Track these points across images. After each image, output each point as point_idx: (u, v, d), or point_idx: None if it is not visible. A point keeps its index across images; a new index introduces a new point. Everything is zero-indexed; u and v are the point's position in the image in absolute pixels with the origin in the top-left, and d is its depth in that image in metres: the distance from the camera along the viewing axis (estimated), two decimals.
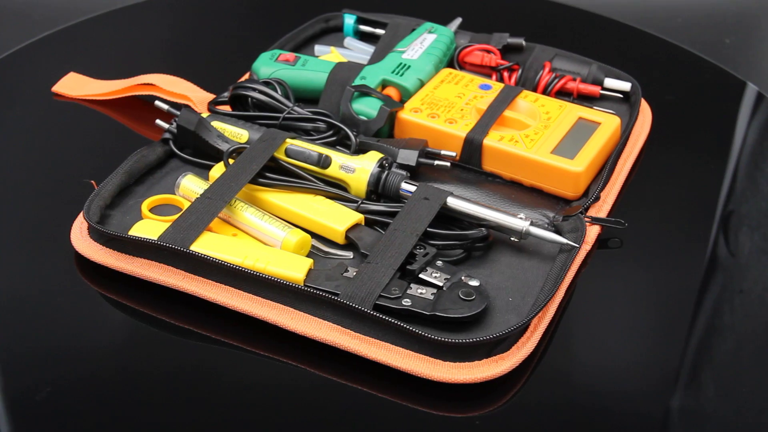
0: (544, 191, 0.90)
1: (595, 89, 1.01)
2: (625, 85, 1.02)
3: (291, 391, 0.74)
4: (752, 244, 0.90)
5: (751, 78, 1.14)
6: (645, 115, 1.02)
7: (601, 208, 0.89)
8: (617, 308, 0.83)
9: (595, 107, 0.99)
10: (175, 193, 0.87)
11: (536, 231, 0.82)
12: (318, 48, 1.09)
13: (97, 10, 1.20)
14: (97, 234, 0.81)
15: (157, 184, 0.89)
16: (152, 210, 0.85)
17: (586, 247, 0.85)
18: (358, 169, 0.86)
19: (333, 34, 1.13)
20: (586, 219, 0.86)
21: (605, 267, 0.86)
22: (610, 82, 1.02)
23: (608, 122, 0.94)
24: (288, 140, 0.89)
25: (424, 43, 1.02)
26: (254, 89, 0.94)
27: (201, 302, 0.78)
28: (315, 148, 0.88)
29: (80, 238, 0.82)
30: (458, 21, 1.08)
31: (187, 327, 0.78)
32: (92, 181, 0.87)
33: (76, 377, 0.74)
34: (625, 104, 1.02)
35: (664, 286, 0.86)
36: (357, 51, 1.09)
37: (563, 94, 1.02)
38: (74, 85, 1.04)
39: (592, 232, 0.86)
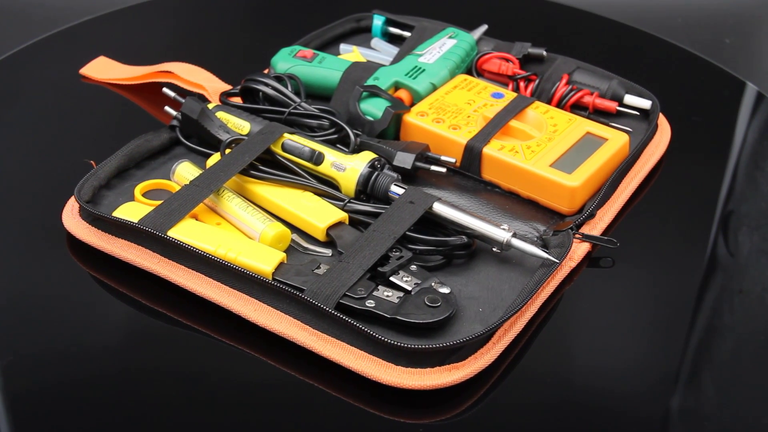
0: (540, 204, 0.89)
1: (612, 105, 0.99)
2: (645, 103, 0.99)
3: (246, 380, 0.75)
4: (752, 244, 0.90)
5: (751, 78, 1.13)
6: (663, 132, 0.99)
7: (596, 226, 0.87)
8: (605, 320, 0.82)
9: (612, 123, 0.97)
10: (171, 180, 0.89)
11: (517, 243, 0.81)
12: (342, 47, 1.10)
13: (129, 2, 1.23)
14: (85, 213, 0.84)
15: (157, 169, 0.91)
16: (145, 194, 0.87)
17: (570, 264, 0.83)
18: (348, 168, 0.87)
19: (363, 34, 1.14)
20: (577, 236, 0.85)
21: (595, 281, 0.85)
22: (630, 99, 1.00)
23: (615, 139, 0.92)
24: (286, 135, 0.89)
25: (442, 48, 1.02)
26: (263, 83, 0.95)
27: (181, 288, 0.79)
28: (310, 144, 0.89)
29: (70, 216, 0.84)
30: (483, 28, 1.07)
31: (162, 311, 0.79)
32: (92, 161, 0.89)
33: (47, 356, 0.76)
34: (645, 121, 1.00)
35: (663, 285, 0.86)
36: (382, 52, 1.09)
37: (581, 108, 1.00)
38: (101, 69, 1.07)
39: (580, 249, 0.84)
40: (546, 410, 0.74)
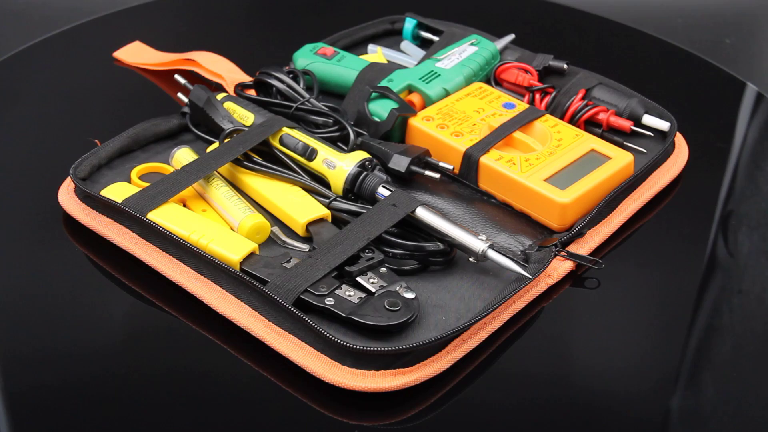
0: (532, 218, 0.87)
1: (626, 124, 0.96)
2: (663, 125, 0.96)
3: (209, 369, 0.76)
4: (751, 244, 0.89)
5: (751, 78, 1.12)
6: (680, 155, 0.96)
7: (585, 245, 0.85)
8: (590, 331, 0.82)
9: (625, 143, 0.95)
10: (170, 164, 0.91)
11: (493, 255, 0.79)
12: (370, 47, 1.10)
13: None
14: (78, 190, 0.86)
15: (161, 153, 0.93)
16: (142, 177, 0.89)
17: (548, 281, 0.81)
18: (338, 166, 0.87)
19: (396, 36, 1.14)
20: (562, 253, 0.83)
21: (577, 298, 0.83)
22: (648, 119, 0.97)
23: (618, 158, 0.89)
24: (285, 129, 0.90)
25: (462, 54, 1.01)
26: (275, 77, 0.96)
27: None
28: (306, 140, 0.89)
29: (65, 193, 0.87)
30: (510, 37, 1.06)
31: (143, 293, 0.81)
32: (96, 141, 0.92)
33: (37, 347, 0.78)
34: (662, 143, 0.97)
35: (663, 286, 0.85)
36: (410, 55, 1.09)
37: (596, 125, 0.97)
38: (133, 53, 1.10)
39: (562, 266, 0.82)
40: (497, 422, 0.73)
